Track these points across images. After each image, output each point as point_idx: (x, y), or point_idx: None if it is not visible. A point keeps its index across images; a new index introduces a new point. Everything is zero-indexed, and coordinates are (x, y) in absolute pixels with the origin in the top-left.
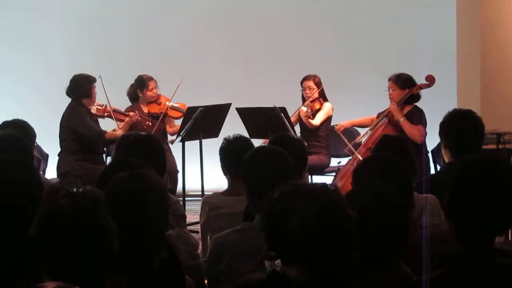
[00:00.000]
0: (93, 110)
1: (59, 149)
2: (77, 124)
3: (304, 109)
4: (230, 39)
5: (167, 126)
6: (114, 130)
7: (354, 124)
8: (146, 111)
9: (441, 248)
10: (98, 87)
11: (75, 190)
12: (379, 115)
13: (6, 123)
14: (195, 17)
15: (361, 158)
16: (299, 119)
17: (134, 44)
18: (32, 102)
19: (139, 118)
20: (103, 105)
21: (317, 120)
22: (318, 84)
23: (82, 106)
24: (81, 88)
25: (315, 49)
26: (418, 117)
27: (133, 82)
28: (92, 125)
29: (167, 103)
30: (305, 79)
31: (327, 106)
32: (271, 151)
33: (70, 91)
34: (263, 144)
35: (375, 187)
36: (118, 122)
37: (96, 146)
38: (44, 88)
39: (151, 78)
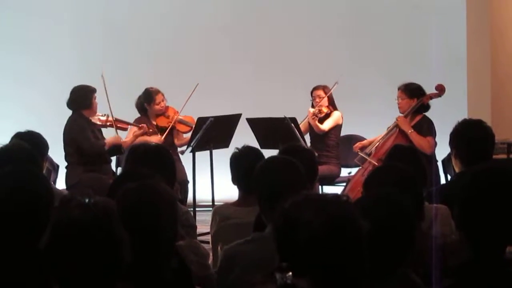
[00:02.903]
0: (95, 120)
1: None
2: (79, 139)
3: (311, 110)
4: (240, 46)
5: (175, 140)
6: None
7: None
8: (155, 124)
9: (452, 258)
10: (99, 88)
11: (87, 200)
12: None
13: (18, 134)
14: (205, 24)
15: (372, 168)
16: (309, 128)
17: (144, 52)
18: (43, 111)
19: (151, 130)
20: (105, 114)
21: (325, 126)
22: (327, 93)
23: (83, 118)
24: (81, 99)
25: (326, 56)
26: (427, 128)
27: (141, 93)
28: (93, 140)
29: (175, 116)
30: (316, 88)
31: (336, 114)
32: (283, 161)
33: (70, 103)
34: None
35: (382, 193)
36: (118, 132)
37: (102, 156)
38: (55, 97)
39: (158, 92)
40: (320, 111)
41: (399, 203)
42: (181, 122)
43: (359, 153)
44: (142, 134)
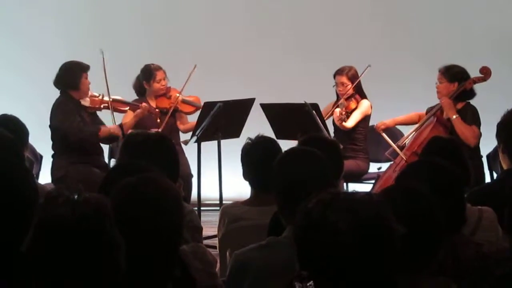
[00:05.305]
0: (86, 102)
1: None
2: (63, 126)
3: (337, 111)
4: (256, 24)
5: (178, 123)
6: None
7: (398, 123)
8: (154, 106)
9: (498, 268)
10: (97, 68)
11: (76, 197)
12: (429, 110)
13: None
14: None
15: (405, 163)
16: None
17: (143, 30)
18: (29, 95)
19: (153, 112)
20: (99, 95)
21: (351, 122)
22: (353, 78)
23: (69, 101)
24: (68, 78)
25: (354, 36)
26: (472, 116)
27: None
28: (80, 125)
29: (177, 95)
30: (337, 73)
31: (364, 104)
32: (306, 152)
33: (56, 81)
34: None
35: (403, 186)
36: (115, 115)
37: (93, 146)
38: (43, 81)
39: (159, 68)
40: (347, 113)
41: (421, 198)
42: (184, 102)
43: (392, 145)
44: (144, 114)
